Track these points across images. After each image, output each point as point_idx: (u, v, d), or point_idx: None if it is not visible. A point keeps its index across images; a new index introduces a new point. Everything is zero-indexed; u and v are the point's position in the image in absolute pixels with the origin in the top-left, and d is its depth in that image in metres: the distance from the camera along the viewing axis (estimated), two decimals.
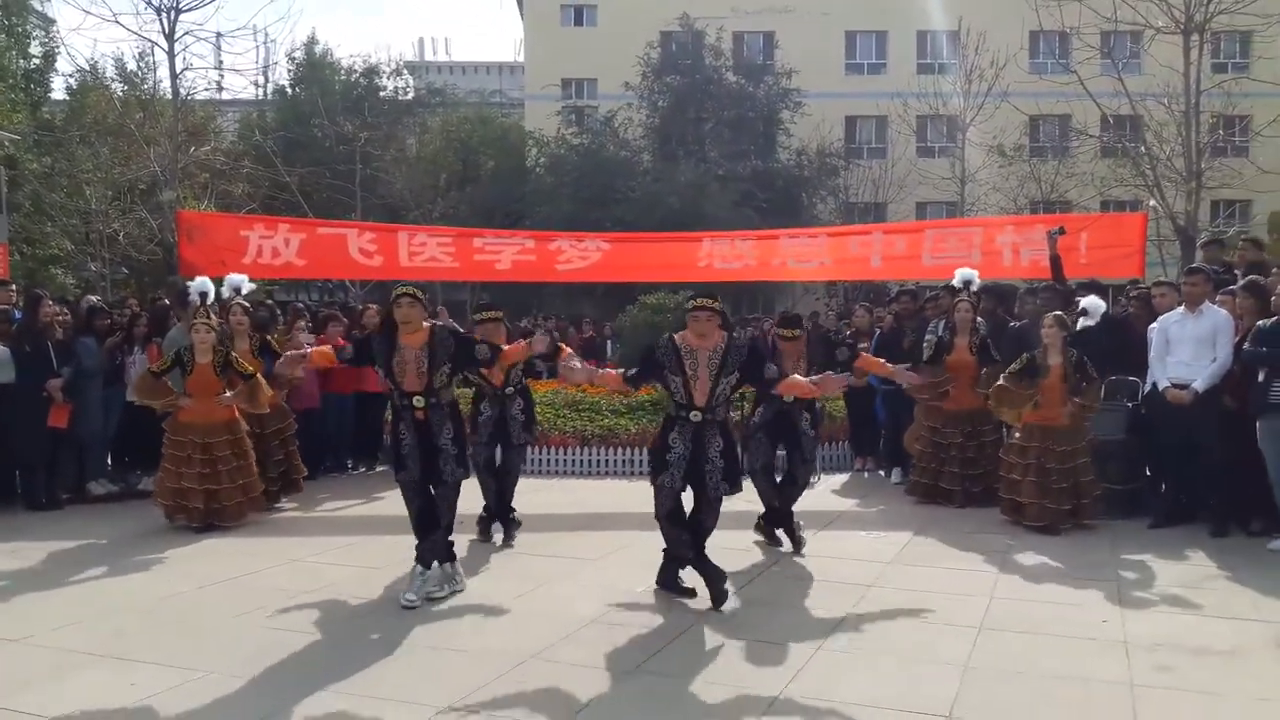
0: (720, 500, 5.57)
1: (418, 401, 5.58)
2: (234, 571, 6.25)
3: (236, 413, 7.66)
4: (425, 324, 5.67)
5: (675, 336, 5.53)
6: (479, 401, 7.18)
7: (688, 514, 5.63)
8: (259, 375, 7.65)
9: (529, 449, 8.21)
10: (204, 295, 7.86)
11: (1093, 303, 7.88)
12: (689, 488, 5.57)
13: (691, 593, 5.56)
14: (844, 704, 4.08)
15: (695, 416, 5.46)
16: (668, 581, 5.69)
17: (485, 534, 7.11)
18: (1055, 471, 7.27)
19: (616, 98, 27.76)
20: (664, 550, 5.72)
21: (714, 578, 5.47)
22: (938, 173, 25.23)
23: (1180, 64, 15.33)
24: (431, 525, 5.67)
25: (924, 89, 24.74)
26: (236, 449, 7.58)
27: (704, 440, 5.48)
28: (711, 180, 24.37)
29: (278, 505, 8.34)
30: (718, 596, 5.40)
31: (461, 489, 5.85)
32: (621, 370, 5.79)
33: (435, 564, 5.67)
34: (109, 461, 9.16)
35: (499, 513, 7.15)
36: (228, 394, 7.51)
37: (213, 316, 7.73)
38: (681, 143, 27.21)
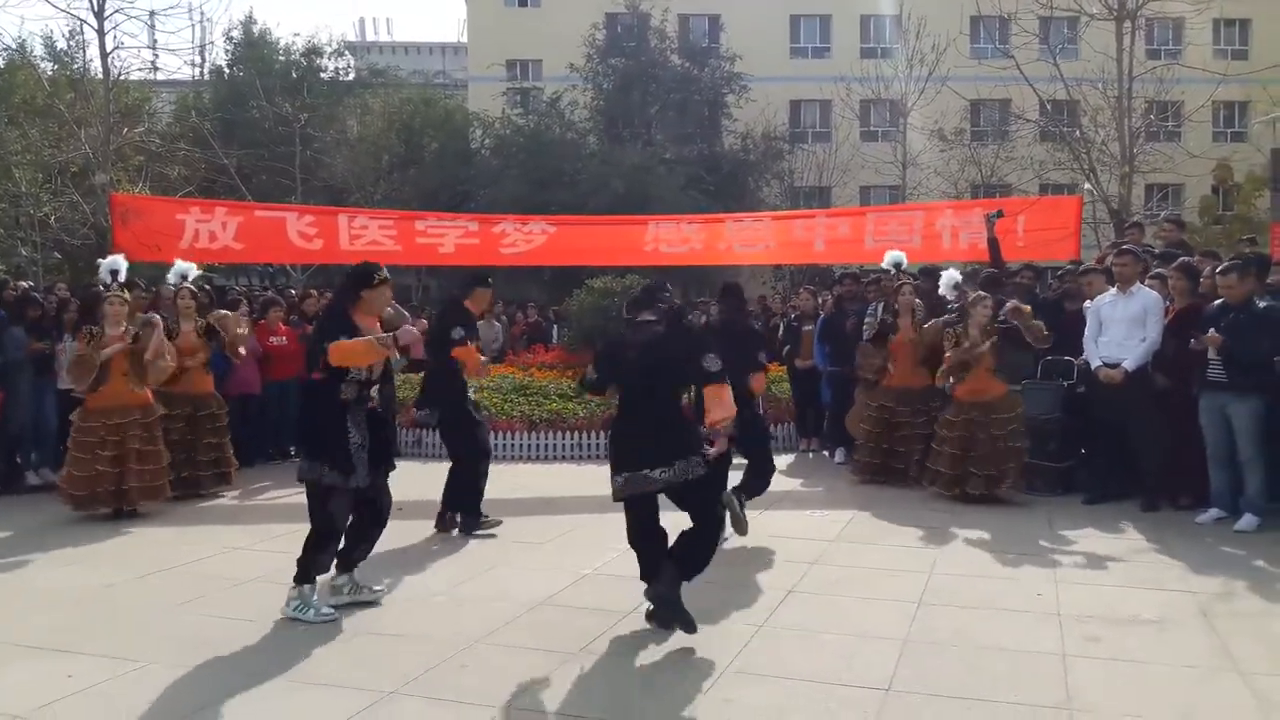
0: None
1: (373, 392, 5.15)
2: (174, 560, 6.15)
3: (150, 397, 7.51)
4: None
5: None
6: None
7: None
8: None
9: None
10: (114, 273, 7.70)
11: (948, 275, 8.08)
12: None
13: None
14: (786, 679, 4.16)
15: None
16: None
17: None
18: (986, 444, 7.46)
19: (561, 79, 27.54)
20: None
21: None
22: (881, 157, 25.50)
23: (1115, 50, 15.64)
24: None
25: (867, 73, 24.95)
26: (148, 434, 7.43)
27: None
28: (658, 163, 24.34)
29: (214, 492, 8.22)
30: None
31: None
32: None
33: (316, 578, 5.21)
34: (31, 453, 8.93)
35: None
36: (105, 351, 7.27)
37: (126, 292, 7.58)
38: (627, 125, 27.12)
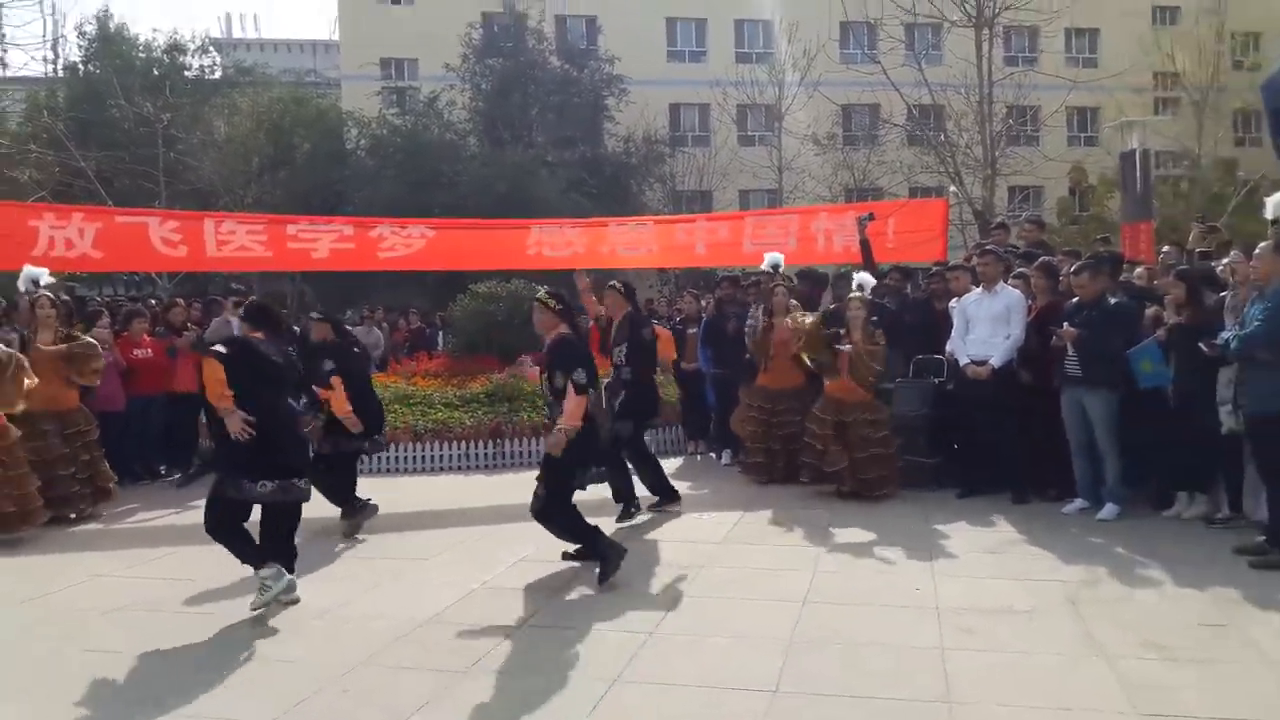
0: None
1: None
2: (34, 591, 5.80)
3: (3, 419, 7.07)
4: None
5: None
6: None
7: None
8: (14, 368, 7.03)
9: None
10: (36, 281, 7.51)
11: (864, 277, 8.32)
12: None
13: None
14: (675, 685, 4.19)
15: None
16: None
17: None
18: (859, 441, 7.70)
19: (438, 79, 27.15)
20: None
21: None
22: (759, 161, 26.00)
23: (975, 56, 16.32)
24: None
25: (742, 78, 25.40)
26: (8, 457, 7.00)
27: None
28: (540, 165, 24.23)
29: (91, 512, 7.80)
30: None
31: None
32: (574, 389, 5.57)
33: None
34: None
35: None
36: None
37: None
38: (508, 127, 26.90)
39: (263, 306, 5.85)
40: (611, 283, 7.56)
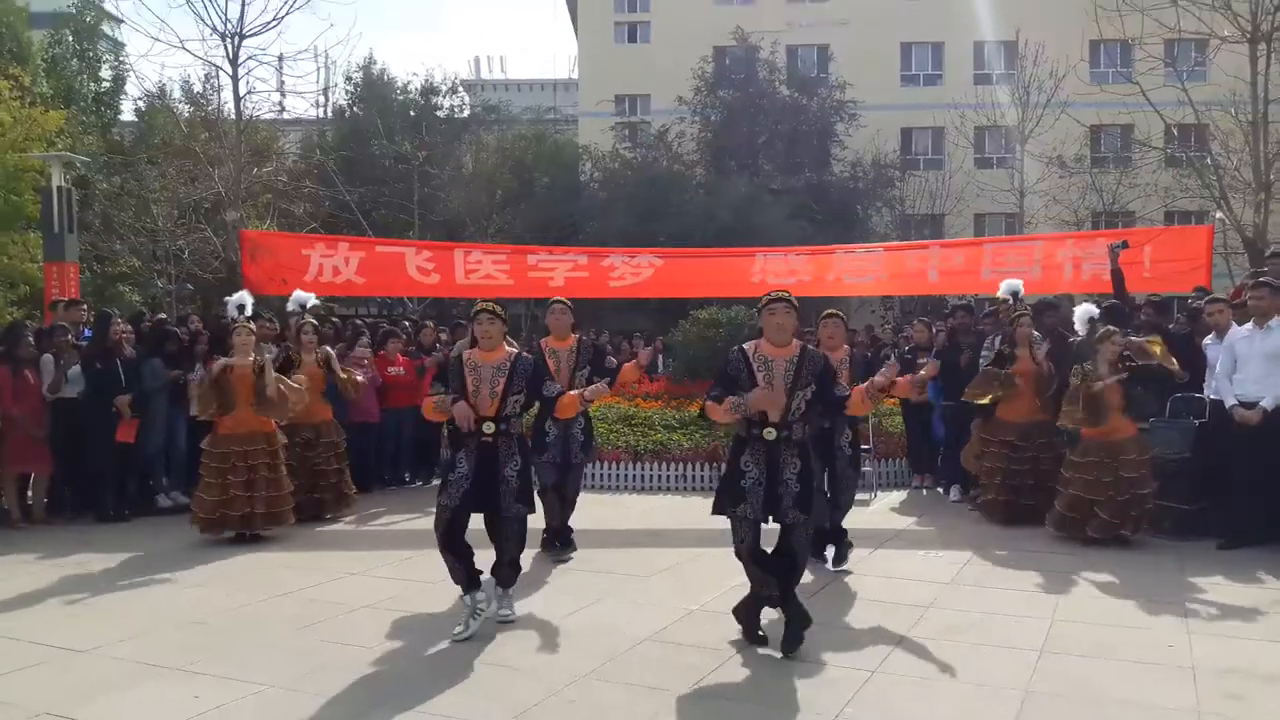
0: (799, 527, 4.95)
1: (487, 427, 5.29)
2: (294, 585, 6.35)
3: (273, 425, 7.81)
4: (507, 347, 5.51)
5: (745, 347, 5.03)
6: (543, 421, 7.11)
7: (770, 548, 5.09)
8: (287, 387, 7.75)
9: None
10: (241, 308, 8.04)
11: (1083, 310, 7.74)
12: (769, 518, 4.98)
13: (763, 641, 5.09)
14: None
15: (770, 434, 4.88)
16: (747, 620, 5.19)
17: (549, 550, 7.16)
18: (1113, 485, 7.14)
19: (670, 113, 27.83)
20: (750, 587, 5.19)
21: (797, 619, 4.97)
22: (996, 184, 24.91)
23: (1248, 73, 14.97)
24: (459, 543, 5.34)
25: (981, 100, 24.46)
26: (271, 461, 7.71)
27: (779, 461, 4.91)
28: (765, 193, 24.29)
29: (329, 517, 8.50)
30: (792, 641, 4.90)
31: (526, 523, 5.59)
32: (712, 397, 4.99)
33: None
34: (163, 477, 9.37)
35: (561, 530, 7.22)
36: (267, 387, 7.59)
37: (251, 324, 7.91)
38: (735, 156, 27.16)
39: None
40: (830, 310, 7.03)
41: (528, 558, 6.83)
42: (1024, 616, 5.58)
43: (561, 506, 7.21)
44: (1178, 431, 7.69)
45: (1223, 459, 7.31)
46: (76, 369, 8.59)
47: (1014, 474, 8.10)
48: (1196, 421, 7.68)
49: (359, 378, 9.02)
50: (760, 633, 5.15)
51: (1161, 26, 15.98)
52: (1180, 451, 7.60)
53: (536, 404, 5.77)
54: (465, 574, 5.36)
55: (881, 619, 5.59)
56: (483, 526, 5.50)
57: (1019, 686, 4.46)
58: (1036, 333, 8.31)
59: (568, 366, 7.14)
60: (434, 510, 5.41)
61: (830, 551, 6.76)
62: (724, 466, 5.23)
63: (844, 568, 6.67)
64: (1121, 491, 7.15)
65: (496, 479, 5.33)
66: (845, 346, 6.91)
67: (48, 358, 8.59)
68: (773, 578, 5.02)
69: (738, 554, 5.05)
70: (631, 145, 28.38)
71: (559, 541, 7.20)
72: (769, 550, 5.07)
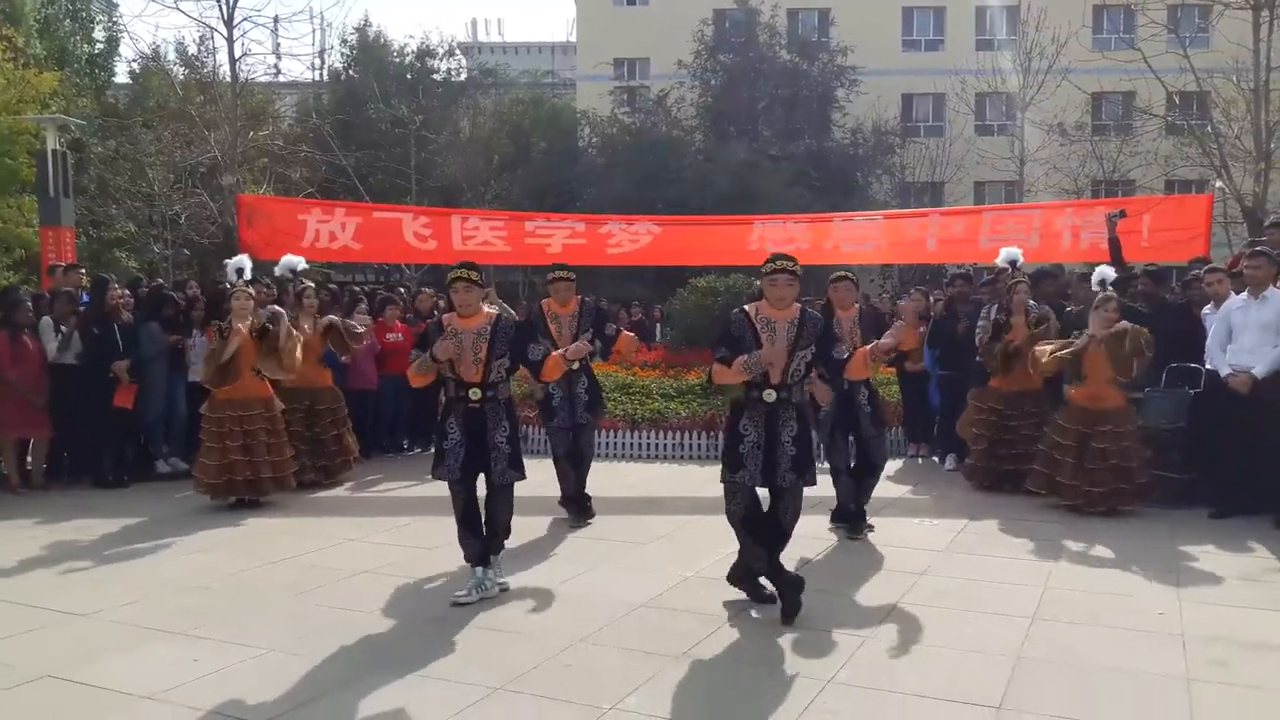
0: (796, 492, 5.02)
1: (473, 394, 5.28)
2: (292, 551, 6.40)
3: (270, 390, 7.83)
4: (486, 309, 5.45)
5: (747, 309, 5.02)
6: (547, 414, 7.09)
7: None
8: (284, 341, 7.74)
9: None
10: (239, 271, 8.02)
11: (1104, 271, 7.74)
12: (767, 484, 4.99)
13: (772, 599, 5.09)
14: (893, 692, 4.08)
15: (770, 396, 4.89)
16: (747, 584, 5.22)
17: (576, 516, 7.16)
18: (1098, 452, 7.19)
19: (669, 77, 27.61)
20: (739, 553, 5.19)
21: (789, 587, 4.93)
22: (997, 152, 24.80)
23: (1251, 40, 14.83)
24: (476, 521, 5.42)
25: (983, 66, 24.29)
26: (271, 426, 7.74)
27: (778, 424, 4.92)
28: (764, 159, 24.18)
29: (331, 482, 8.54)
30: (790, 609, 4.90)
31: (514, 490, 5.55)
32: (716, 366, 5.02)
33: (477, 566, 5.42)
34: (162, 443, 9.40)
35: (576, 497, 7.22)
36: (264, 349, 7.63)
37: (251, 288, 7.90)
38: (734, 122, 27.01)
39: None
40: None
41: (543, 524, 6.93)
42: (1016, 584, 5.64)
43: (576, 471, 7.17)
44: (1172, 401, 7.71)
45: (1215, 429, 7.35)
46: (74, 335, 8.59)
47: (1000, 442, 8.16)
48: (1192, 392, 7.70)
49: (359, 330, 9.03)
50: (766, 590, 5.17)
51: None
52: (1175, 421, 7.63)
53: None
54: (480, 550, 5.41)
55: (876, 586, 5.64)
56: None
57: (1010, 653, 4.52)
58: (1033, 301, 8.31)
59: (569, 331, 7.11)
60: (429, 477, 5.44)
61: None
62: (721, 436, 5.20)
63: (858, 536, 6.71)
64: (1093, 460, 7.20)
65: (487, 446, 5.33)
66: (856, 306, 6.93)
67: (47, 320, 8.59)
68: (762, 549, 5.03)
69: (730, 519, 5.09)
70: (630, 110, 28.18)
71: (576, 509, 7.19)
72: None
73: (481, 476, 5.42)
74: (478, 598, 5.26)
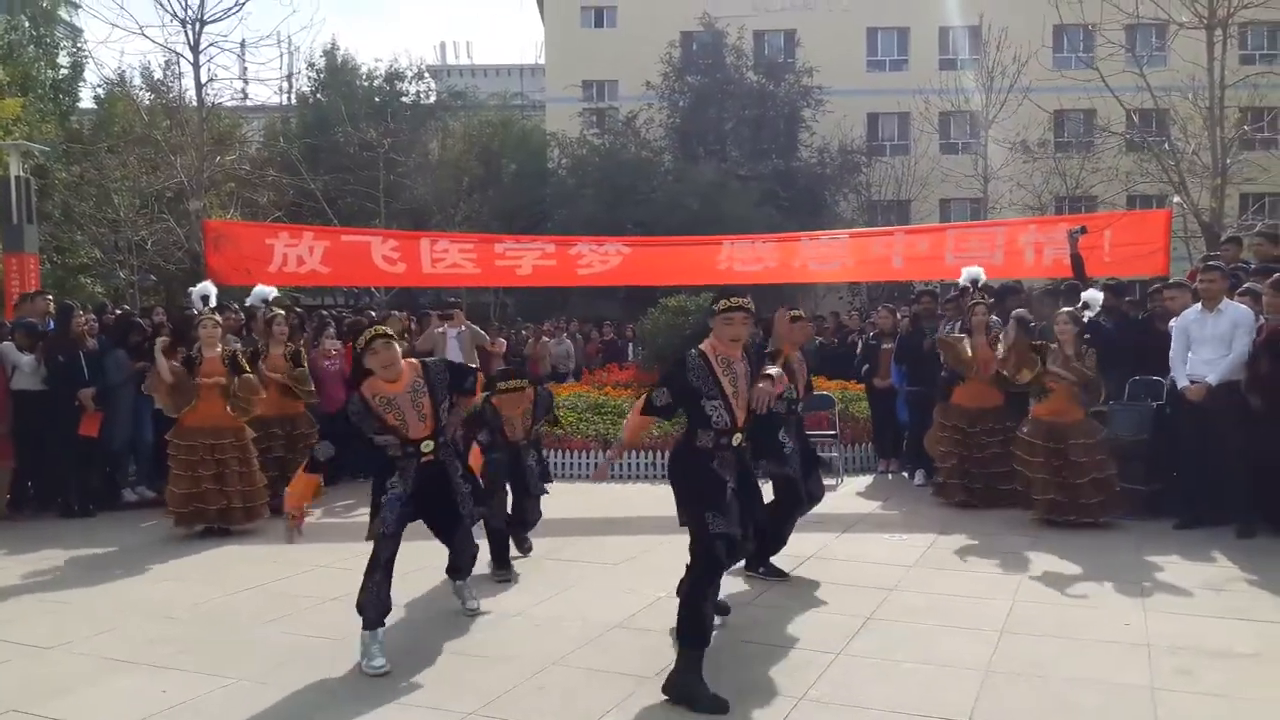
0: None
1: (425, 447, 4.88)
2: (262, 578, 6.35)
3: (240, 420, 7.79)
4: (407, 361, 4.93)
5: (704, 349, 4.46)
6: (487, 451, 6.46)
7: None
8: (254, 375, 7.80)
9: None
10: (205, 299, 7.98)
11: (1091, 295, 7.84)
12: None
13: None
14: (864, 709, 4.11)
15: (738, 441, 4.44)
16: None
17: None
18: (1068, 467, 7.28)
19: (637, 99, 27.80)
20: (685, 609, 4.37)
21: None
22: (961, 169, 25.13)
23: (1205, 59, 15.17)
24: (390, 577, 4.86)
25: (946, 85, 24.64)
26: (242, 455, 7.70)
27: (745, 470, 4.56)
28: (732, 179, 24.37)
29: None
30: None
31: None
32: (640, 404, 4.63)
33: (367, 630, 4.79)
34: (132, 470, 9.30)
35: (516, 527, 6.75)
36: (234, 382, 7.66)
37: (217, 315, 7.90)
38: (702, 142, 27.23)
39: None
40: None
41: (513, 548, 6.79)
42: (986, 598, 5.69)
43: (515, 536, 6.70)
44: (1136, 414, 7.84)
45: (1178, 441, 7.47)
46: (32, 361, 8.49)
47: (966, 459, 8.25)
48: (1154, 404, 7.83)
49: (325, 364, 9.02)
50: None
51: (1121, 12, 16.15)
52: (1138, 434, 7.75)
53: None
54: (385, 604, 4.84)
55: (847, 602, 5.68)
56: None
57: (979, 666, 4.56)
58: (995, 318, 8.43)
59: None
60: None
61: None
62: (680, 475, 4.56)
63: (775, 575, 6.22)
64: (1074, 474, 7.30)
65: (450, 490, 5.04)
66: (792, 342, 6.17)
67: (8, 345, 8.50)
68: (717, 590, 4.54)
69: (711, 570, 4.39)
70: (599, 132, 28.31)
71: (517, 539, 6.76)
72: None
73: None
74: (383, 662, 4.64)
